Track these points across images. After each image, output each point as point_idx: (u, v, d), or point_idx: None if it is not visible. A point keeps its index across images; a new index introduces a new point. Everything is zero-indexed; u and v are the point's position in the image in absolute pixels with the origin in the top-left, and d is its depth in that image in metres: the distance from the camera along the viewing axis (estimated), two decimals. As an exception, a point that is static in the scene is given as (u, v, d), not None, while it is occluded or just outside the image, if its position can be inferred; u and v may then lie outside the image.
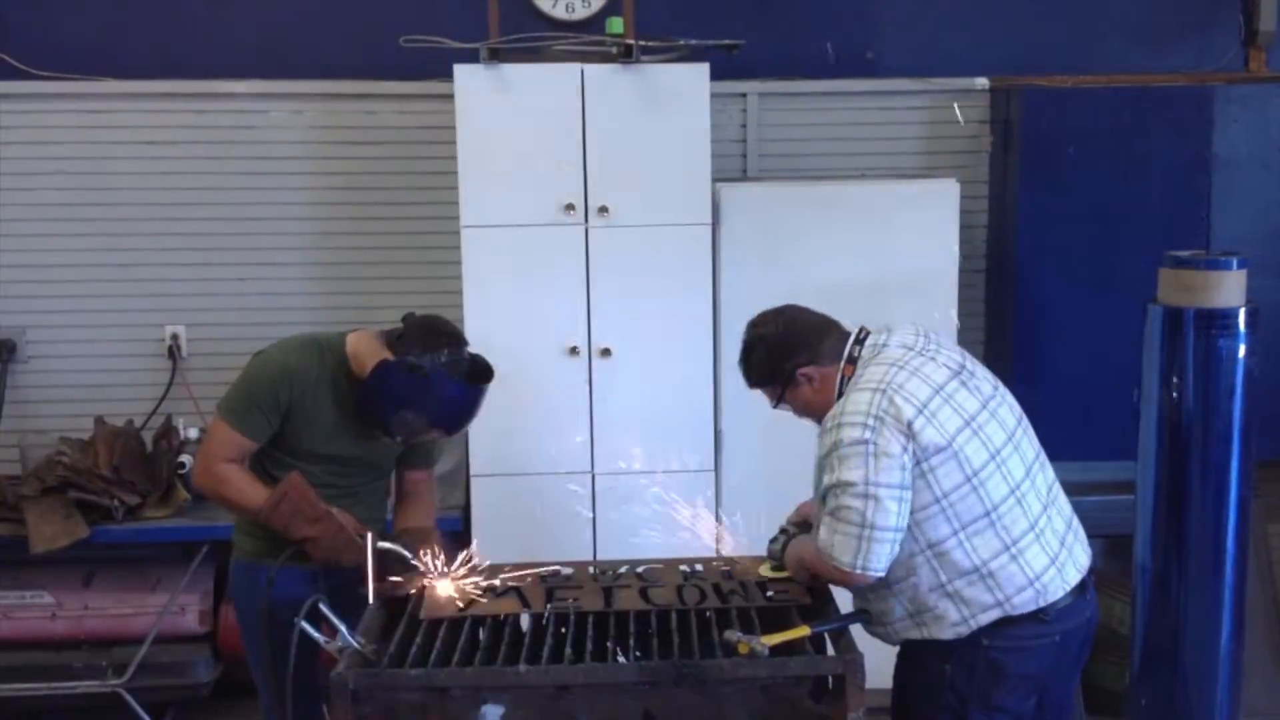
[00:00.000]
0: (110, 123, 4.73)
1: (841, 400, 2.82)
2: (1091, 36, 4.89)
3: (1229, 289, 3.48)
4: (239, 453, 3.13)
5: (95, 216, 4.76)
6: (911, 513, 2.74)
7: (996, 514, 2.77)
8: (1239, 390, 3.48)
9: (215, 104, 4.74)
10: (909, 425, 2.72)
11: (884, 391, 2.76)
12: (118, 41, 4.74)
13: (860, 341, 2.94)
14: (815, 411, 2.93)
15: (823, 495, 2.79)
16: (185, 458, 4.44)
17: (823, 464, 2.79)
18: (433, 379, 3.04)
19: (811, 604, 2.95)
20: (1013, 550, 2.77)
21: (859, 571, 2.73)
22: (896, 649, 2.95)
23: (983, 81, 4.84)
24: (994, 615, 2.77)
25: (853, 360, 2.90)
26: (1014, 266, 4.59)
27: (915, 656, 2.88)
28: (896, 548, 2.73)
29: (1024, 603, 2.78)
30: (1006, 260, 4.68)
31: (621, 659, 2.70)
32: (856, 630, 2.81)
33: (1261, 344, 3.53)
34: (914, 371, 2.82)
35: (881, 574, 2.75)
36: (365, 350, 3.14)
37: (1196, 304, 3.47)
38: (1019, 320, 4.65)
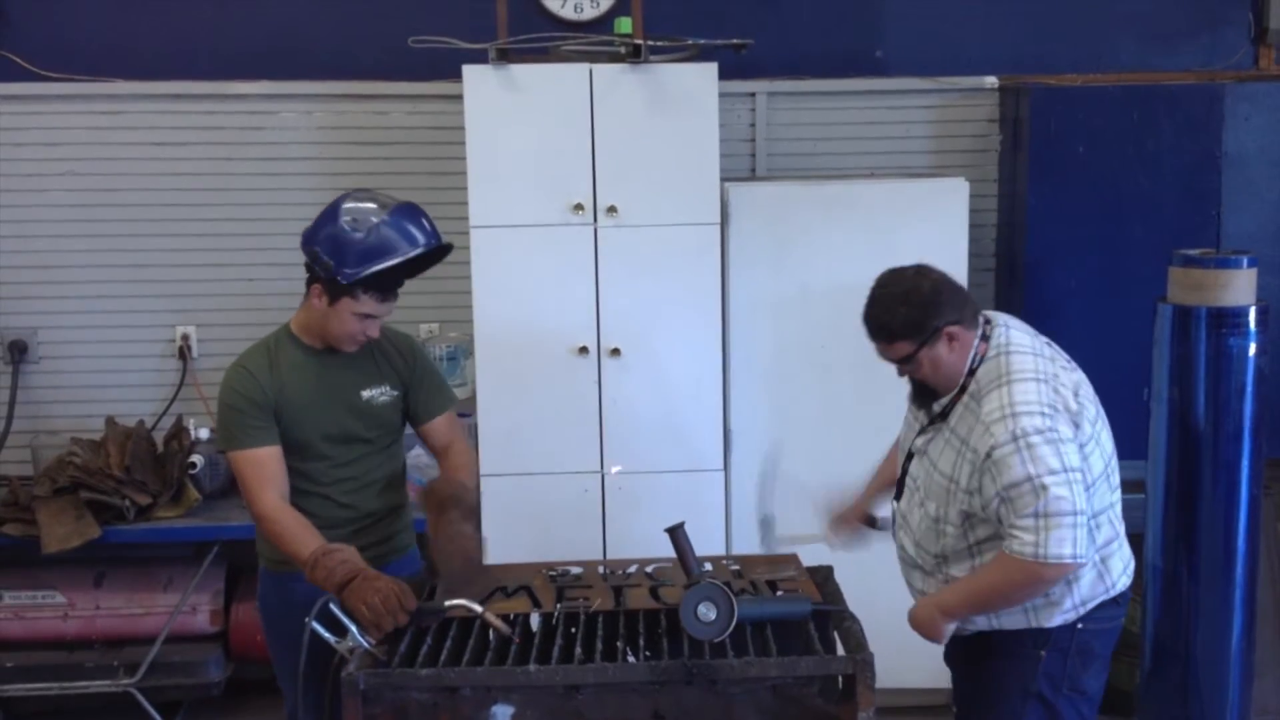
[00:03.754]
0: (120, 124, 4.75)
1: (1000, 391, 2.75)
2: (1101, 35, 4.89)
3: (1239, 287, 3.47)
4: (268, 470, 3.08)
5: (105, 217, 4.78)
6: None
7: (1115, 505, 2.87)
8: (1249, 389, 3.47)
9: (225, 105, 4.75)
10: (1074, 414, 2.74)
11: (1045, 382, 2.75)
12: (127, 42, 4.75)
13: (987, 321, 2.90)
14: (942, 373, 2.85)
15: (1003, 496, 2.68)
16: (196, 458, 4.45)
17: (995, 456, 2.68)
18: (334, 212, 3.14)
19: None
20: (1120, 539, 2.89)
21: (1075, 561, 2.65)
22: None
23: (992, 80, 4.84)
24: (1100, 601, 2.83)
25: (985, 338, 2.86)
26: (1023, 265, 4.58)
27: (999, 647, 2.86)
28: None
29: (1121, 580, 2.87)
30: (1016, 259, 4.67)
31: (631, 659, 2.71)
32: (866, 629, 2.78)
33: (1272, 342, 3.53)
34: (1051, 360, 2.82)
35: (1086, 562, 2.71)
36: (304, 314, 3.21)
37: (1207, 303, 3.47)
38: (1028, 319, 4.59)
